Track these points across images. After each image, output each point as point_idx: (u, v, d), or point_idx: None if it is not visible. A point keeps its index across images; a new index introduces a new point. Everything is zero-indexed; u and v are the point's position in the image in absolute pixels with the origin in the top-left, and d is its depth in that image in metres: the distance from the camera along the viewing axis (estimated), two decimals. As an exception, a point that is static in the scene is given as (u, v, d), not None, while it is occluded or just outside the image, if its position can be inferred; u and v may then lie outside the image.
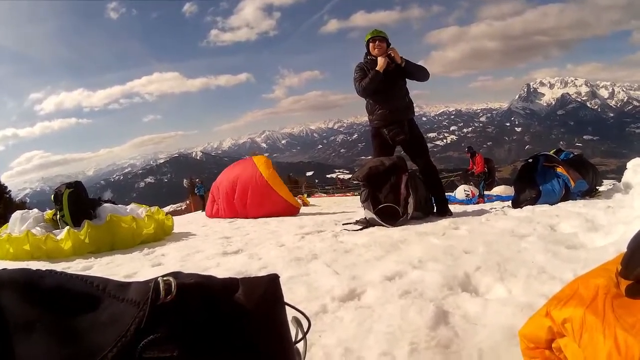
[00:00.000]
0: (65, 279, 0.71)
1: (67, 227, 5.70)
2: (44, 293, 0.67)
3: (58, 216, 6.10)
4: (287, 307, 0.83)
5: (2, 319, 0.63)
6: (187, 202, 33.33)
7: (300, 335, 0.94)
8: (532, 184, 5.64)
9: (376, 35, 5.57)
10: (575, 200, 5.32)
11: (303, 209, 11.80)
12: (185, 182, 26.81)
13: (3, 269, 0.70)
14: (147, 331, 0.64)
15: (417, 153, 5.67)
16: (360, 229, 4.93)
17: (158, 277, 0.70)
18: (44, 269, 0.72)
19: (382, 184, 5.16)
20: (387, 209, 4.99)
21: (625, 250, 1.06)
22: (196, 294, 0.70)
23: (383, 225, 4.84)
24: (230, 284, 0.75)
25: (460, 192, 12.19)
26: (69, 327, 0.64)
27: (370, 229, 4.77)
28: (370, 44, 5.57)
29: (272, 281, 0.80)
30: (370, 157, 5.88)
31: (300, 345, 0.93)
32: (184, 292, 0.68)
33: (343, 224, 5.49)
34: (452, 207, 6.22)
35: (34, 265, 4.85)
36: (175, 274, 0.73)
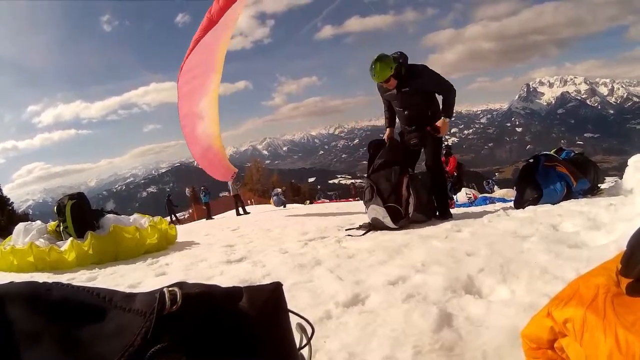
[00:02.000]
0: (72, 292, 0.72)
1: (71, 238, 5.72)
2: (50, 306, 0.68)
3: (61, 228, 6.11)
4: (291, 314, 0.84)
5: (9, 332, 0.64)
6: (190, 211, 33.30)
7: (304, 341, 0.95)
8: (533, 184, 5.63)
9: (382, 81, 5.49)
10: (577, 199, 5.31)
11: (305, 212, 11.82)
12: (187, 191, 26.81)
13: (10, 283, 0.71)
14: (153, 341, 0.65)
15: (428, 157, 5.69)
16: (363, 234, 4.96)
17: (163, 287, 0.72)
18: (48, 280, 0.74)
19: (385, 186, 5.20)
20: (390, 210, 5.04)
21: (625, 248, 1.06)
22: (201, 304, 0.71)
23: (387, 228, 4.88)
24: (234, 293, 0.76)
25: (462, 195, 12.17)
26: (75, 338, 0.65)
27: (374, 234, 4.77)
28: (383, 85, 5.60)
29: (276, 289, 0.81)
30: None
31: (305, 351, 0.94)
32: (189, 302, 0.69)
33: (346, 229, 5.49)
34: (454, 210, 6.23)
35: (38, 276, 4.86)
36: (180, 284, 0.74)
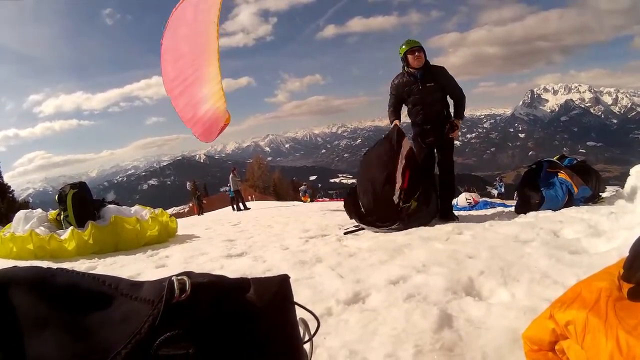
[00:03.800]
0: (77, 278, 0.72)
1: (71, 227, 5.72)
2: (56, 291, 0.68)
3: (62, 216, 6.12)
4: (297, 307, 0.85)
5: (14, 317, 0.65)
6: (190, 204, 33.34)
7: (307, 336, 0.95)
8: (535, 190, 5.62)
9: (414, 46, 5.38)
10: (579, 206, 5.30)
11: (306, 209, 11.81)
12: (188, 185, 26.86)
13: (14, 267, 0.72)
14: (161, 329, 0.65)
15: (442, 157, 5.65)
16: (357, 230, 5.12)
17: (172, 276, 0.72)
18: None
19: (377, 174, 5.14)
20: (380, 209, 5.03)
21: (627, 254, 1.07)
22: (210, 293, 0.71)
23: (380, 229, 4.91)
24: (242, 284, 0.77)
25: (462, 199, 12.15)
26: (81, 324, 0.66)
27: (374, 234, 4.77)
28: (409, 56, 5.38)
29: (283, 281, 0.81)
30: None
31: (306, 347, 0.94)
32: (198, 291, 0.69)
33: (345, 229, 5.49)
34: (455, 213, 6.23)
35: (38, 265, 4.87)
36: (188, 274, 0.74)
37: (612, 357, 0.88)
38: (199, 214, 24.44)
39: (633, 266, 1.02)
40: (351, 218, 5.52)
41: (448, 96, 5.58)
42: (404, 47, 5.45)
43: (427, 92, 5.42)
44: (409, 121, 5.79)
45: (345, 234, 5.09)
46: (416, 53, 5.34)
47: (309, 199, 31.10)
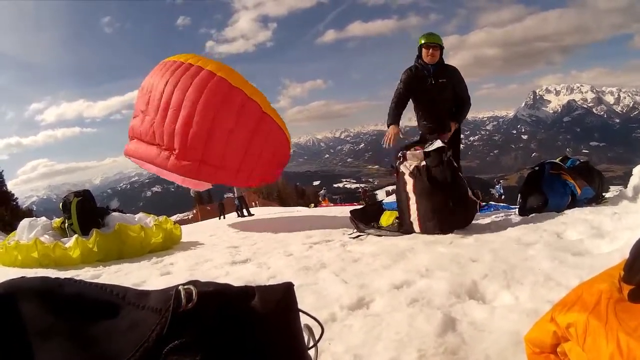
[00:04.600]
0: (84, 287, 0.73)
1: (76, 235, 5.74)
2: (63, 301, 0.69)
3: (66, 224, 6.14)
4: (301, 314, 0.86)
5: (21, 327, 0.66)
6: (194, 211, 33.34)
7: (312, 342, 0.96)
8: (538, 192, 5.60)
9: (430, 42, 5.27)
10: (582, 207, 5.28)
11: (310, 215, 11.79)
12: (192, 192, 26.85)
13: (22, 277, 0.73)
14: (168, 338, 0.66)
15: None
16: (357, 236, 5.10)
17: (178, 285, 0.73)
18: (53, 277, 0.75)
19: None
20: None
21: (628, 255, 1.08)
22: (216, 302, 0.72)
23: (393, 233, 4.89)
24: (247, 292, 0.77)
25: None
26: (89, 333, 0.67)
27: (377, 239, 4.77)
28: (424, 50, 5.29)
29: (287, 289, 0.82)
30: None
31: (311, 352, 0.95)
32: (204, 300, 0.70)
33: (349, 234, 5.49)
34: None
35: (42, 273, 4.88)
36: (194, 282, 0.75)
37: (613, 359, 0.89)
38: (220, 218, 24.49)
39: (633, 268, 1.03)
40: (357, 227, 5.50)
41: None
42: (422, 39, 5.34)
43: (439, 88, 5.35)
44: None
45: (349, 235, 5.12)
46: (430, 50, 5.26)
47: (313, 204, 32.13)
